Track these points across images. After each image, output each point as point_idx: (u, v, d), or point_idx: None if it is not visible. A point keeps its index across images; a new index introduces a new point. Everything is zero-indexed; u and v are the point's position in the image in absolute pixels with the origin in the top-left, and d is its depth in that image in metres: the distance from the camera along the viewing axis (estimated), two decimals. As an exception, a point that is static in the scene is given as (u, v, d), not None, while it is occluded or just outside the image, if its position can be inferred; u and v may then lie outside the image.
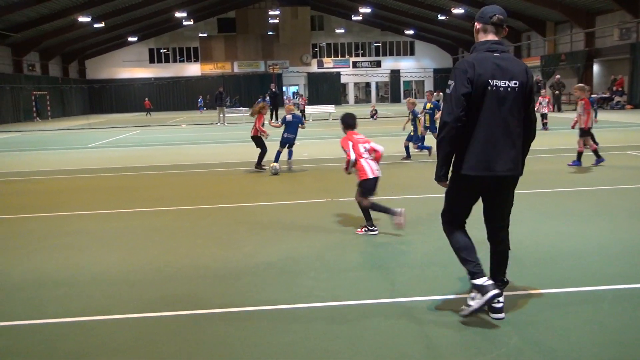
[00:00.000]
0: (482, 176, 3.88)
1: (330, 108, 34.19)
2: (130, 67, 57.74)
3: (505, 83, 3.82)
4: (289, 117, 12.06)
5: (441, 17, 44.69)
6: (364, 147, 6.52)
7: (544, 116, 20.46)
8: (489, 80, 3.81)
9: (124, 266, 5.66)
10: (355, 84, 60.98)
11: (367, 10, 45.61)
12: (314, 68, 59.07)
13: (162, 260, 5.80)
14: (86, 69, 57.46)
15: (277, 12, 53.27)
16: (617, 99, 33.23)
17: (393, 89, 59.98)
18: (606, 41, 34.66)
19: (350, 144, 6.51)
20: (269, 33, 57.45)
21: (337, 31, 57.51)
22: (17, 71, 42.74)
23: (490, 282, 3.94)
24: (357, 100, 61.12)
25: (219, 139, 21.43)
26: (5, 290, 5.06)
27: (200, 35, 57.30)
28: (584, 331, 3.83)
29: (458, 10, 39.00)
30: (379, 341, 3.78)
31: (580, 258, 5.41)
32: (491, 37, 3.95)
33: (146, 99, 49.04)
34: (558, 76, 33.46)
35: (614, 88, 34.24)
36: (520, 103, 3.89)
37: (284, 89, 55.46)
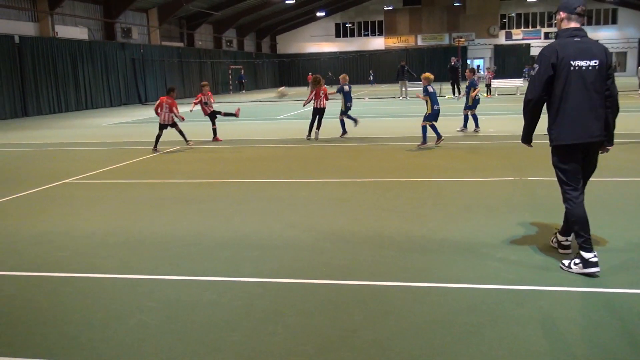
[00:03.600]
0: (576, 143, 4.50)
1: (517, 82, 32.45)
2: (318, 41, 59.74)
3: (586, 62, 4.41)
4: (431, 89, 11.44)
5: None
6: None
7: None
8: (571, 62, 4.40)
9: (313, 233, 5.92)
10: (547, 57, 57.09)
11: (565, -24, 42.19)
12: (501, 40, 56.43)
13: (349, 230, 5.97)
14: (277, 44, 60.55)
15: (465, -18, 51.49)
16: None
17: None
18: None
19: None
20: (455, 4, 55.80)
21: (529, 0, 54.12)
22: (217, 47, 46.36)
23: (596, 259, 4.42)
24: (548, 74, 57.24)
25: (401, 113, 21.40)
26: (208, 248, 5.55)
27: (385, 8, 57.40)
28: None
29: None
30: (575, 331, 3.54)
31: None
32: (573, 24, 4.54)
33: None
34: None
35: None
36: (601, 79, 4.44)
37: (468, 61, 53.69)
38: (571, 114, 4.46)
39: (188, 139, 13.33)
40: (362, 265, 4.91)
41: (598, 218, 5.87)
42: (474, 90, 13.79)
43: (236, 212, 6.93)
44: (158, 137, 12.72)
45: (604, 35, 54.60)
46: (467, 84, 14.19)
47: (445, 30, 56.97)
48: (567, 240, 4.94)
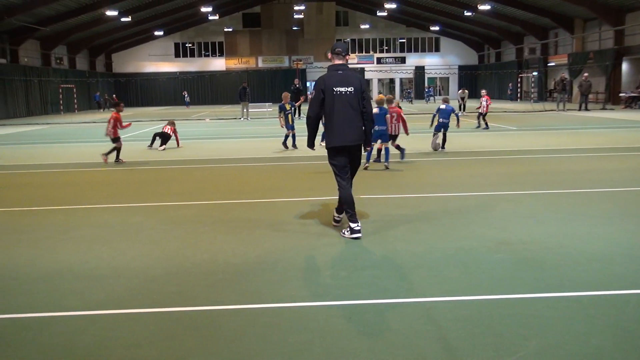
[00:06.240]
0: (341, 145, 6.24)
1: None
2: (156, 61, 58.24)
3: (344, 89, 6.19)
4: (375, 110, 11.07)
5: (467, 14, 44.23)
6: None
7: (481, 116, 20.24)
8: (334, 88, 6.17)
9: (145, 260, 5.71)
10: (379, 80, 60.73)
11: (393, 6, 45.29)
12: (338, 64, 58.87)
13: (182, 255, 5.83)
14: (113, 63, 58.09)
15: (302, 8, 53.17)
16: (646, 98, 32.64)
17: (417, 85, 59.59)
18: (636, 39, 33.98)
19: None
20: (293, 28, 57.45)
21: (362, 27, 57.26)
22: (46, 64, 43.36)
23: (359, 227, 6.22)
24: (381, 97, 60.72)
25: (242, 134, 21.49)
26: (28, 281, 5.13)
27: (225, 29, 57.53)
28: (606, 335, 3.75)
29: (484, 7, 38.55)
30: (397, 342, 3.75)
31: (605, 261, 5.31)
32: (337, 61, 6.32)
33: (97, 93, 50.16)
34: (586, 74, 32.89)
35: (644, 87, 33.61)
36: (356, 100, 6.21)
37: (308, 84, 55.41)
38: (336, 125, 6.19)
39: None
40: (195, 290, 4.81)
41: (418, 229, 6.30)
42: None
43: (60, 242, 6.48)
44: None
45: (429, 61, 59.26)
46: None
47: (285, 52, 58.35)
48: (338, 216, 6.72)
